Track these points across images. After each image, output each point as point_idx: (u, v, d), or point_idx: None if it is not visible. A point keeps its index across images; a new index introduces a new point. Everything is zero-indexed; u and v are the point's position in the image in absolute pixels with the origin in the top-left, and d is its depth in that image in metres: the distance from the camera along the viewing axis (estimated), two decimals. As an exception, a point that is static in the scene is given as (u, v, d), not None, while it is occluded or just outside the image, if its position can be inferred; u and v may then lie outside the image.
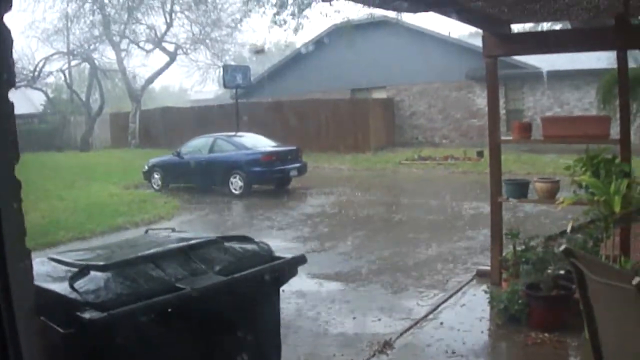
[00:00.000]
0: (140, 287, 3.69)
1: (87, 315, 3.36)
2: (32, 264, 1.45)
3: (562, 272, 6.82)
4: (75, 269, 3.75)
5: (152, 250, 4.18)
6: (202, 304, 3.85)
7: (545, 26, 20.56)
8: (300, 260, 4.89)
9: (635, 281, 3.02)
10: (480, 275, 8.86)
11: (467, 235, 12.79)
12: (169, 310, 3.71)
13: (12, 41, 1.37)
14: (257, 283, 4.40)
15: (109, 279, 3.66)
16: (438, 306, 7.86)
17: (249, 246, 4.68)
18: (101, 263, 3.84)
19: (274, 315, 4.76)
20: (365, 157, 28.75)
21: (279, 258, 4.75)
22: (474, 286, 8.61)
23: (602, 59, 18.87)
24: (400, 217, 15.59)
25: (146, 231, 5.41)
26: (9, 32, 1.36)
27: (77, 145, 39.37)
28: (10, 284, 1.35)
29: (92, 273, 3.71)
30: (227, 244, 4.49)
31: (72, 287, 3.55)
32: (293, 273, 4.82)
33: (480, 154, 24.99)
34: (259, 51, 44.90)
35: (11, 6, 1.36)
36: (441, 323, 7.21)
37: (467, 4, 6.87)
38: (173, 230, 5.26)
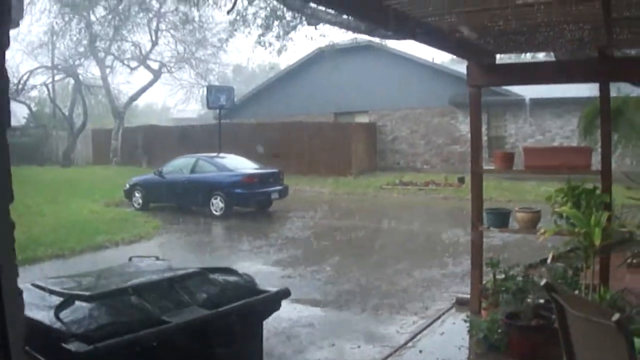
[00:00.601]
0: (125, 319, 3.67)
1: (72, 347, 3.33)
2: (22, 293, 1.45)
3: (541, 301, 6.85)
4: (60, 298, 3.72)
5: (137, 281, 4.16)
6: (187, 336, 3.83)
7: (529, 55, 20.88)
8: (284, 294, 4.88)
9: (615, 317, 3.05)
10: (460, 304, 8.87)
11: (447, 262, 12.81)
12: (154, 343, 3.69)
13: (8, 81, 1.38)
14: (241, 316, 4.38)
15: (94, 309, 3.64)
16: (417, 334, 7.85)
17: (233, 278, 4.67)
18: (86, 293, 3.82)
19: (257, 348, 4.75)
20: (347, 180, 28.80)
21: (263, 291, 4.73)
22: (454, 314, 8.61)
23: (583, 88, 18.98)
24: (380, 243, 15.62)
25: (130, 259, 5.39)
26: (5, 71, 1.36)
27: (59, 160, 39.17)
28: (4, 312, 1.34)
29: (77, 303, 3.68)
30: (211, 276, 4.49)
31: (57, 317, 3.53)
32: (276, 307, 4.81)
33: (461, 180, 25.10)
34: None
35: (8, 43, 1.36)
36: (420, 351, 7.19)
37: (452, 34, 6.93)
38: (157, 258, 5.24)
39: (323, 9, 13.60)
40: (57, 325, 3.48)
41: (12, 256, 1.38)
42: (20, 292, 1.43)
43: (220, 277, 4.55)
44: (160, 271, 4.53)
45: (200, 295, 4.25)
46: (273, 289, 4.89)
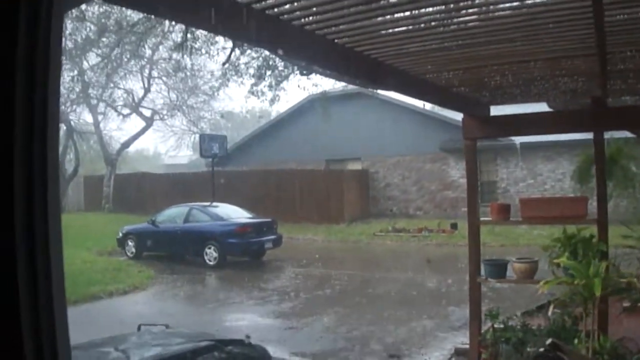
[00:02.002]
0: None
1: None
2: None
3: (541, 349, 6.84)
4: None
5: (152, 356, 4.13)
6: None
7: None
8: None
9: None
10: (459, 354, 8.86)
11: (444, 311, 12.80)
12: None
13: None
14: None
15: None
16: (417, 386, 7.84)
17: (247, 351, 4.64)
18: None
19: None
20: (340, 228, 28.78)
21: None
22: (453, 365, 8.60)
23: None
24: (375, 292, 15.56)
25: (139, 327, 5.36)
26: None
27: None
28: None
29: None
30: (226, 349, 4.46)
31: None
32: None
33: (454, 226, 25.14)
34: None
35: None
36: (421, 404, 7.18)
37: (448, 88, 7.03)
38: (167, 326, 5.22)
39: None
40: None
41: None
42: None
43: (235, 350, 4.52)
44: (173, 343, 4.51)
45: (218, 371, 4.22)
46: (286, 360, 4.87)
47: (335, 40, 4.72)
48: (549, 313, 7.51)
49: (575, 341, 6.47)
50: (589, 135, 7.93)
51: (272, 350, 5.13)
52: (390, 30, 4.76)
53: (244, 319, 12.53)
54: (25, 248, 1.30)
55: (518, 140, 28.08)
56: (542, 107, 9.64)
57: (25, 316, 1.28)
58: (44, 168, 1.33)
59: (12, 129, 1.26)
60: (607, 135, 8.41)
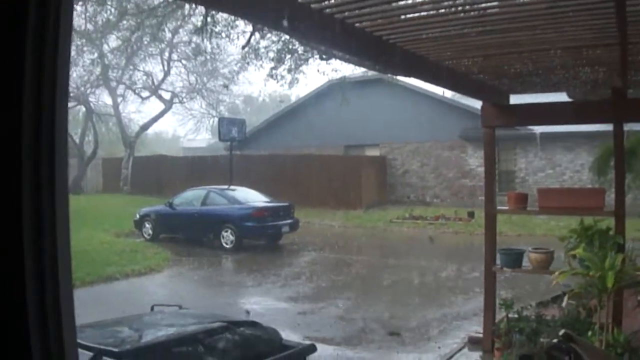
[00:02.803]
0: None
1: None
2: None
3: (555, 341, 6.81)
4: (87, 352, 3.71)
5: (164, 336, 4.14)
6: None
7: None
8: (310, 350, 4.85)
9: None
10: (473, 343, 8.83)
11: (459, 299, 12.77)
12: None
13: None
14: (269, 374, 4.34)
15: None
16: (430, 374, 7.84)
17: (259, 332, 4.63)
18: (115, 349, 3.80)
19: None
20: (357, 214, 28.76)
21: (288, 347, 4.69)
22: (466, 354, 8.57)
23: (594, 123, 19.09)
24: (391, 279, 15.55)
25: (152, 308, 5.38)
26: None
27: (69, 188, 39.12)
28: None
29: (106, 359, 3.67)
30: (238, 330, 4.46)
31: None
32: None
33: (471, 215, 25.04)
34: None
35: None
36: (433, 392, 7.18)
37: (468, 75, 6.98)
38: (180, 307, 5.23)
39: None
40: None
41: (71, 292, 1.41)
42: (76, 345, 1.46)
43: (246, 332, 4.52)
44: (186, 323, 4.51)
45: (228, 352, 4.22)
46: (298, 343, 4.86)
47: (355, 25, 4.69)
48: (564, 304, 7.49)
49: (589, 333, 6.44)
50: (608, 127, 7.88)
51: (285, 334, 5.12)
52: (410, 15, 4.73)
53: (259, 303, 12.55)
54: (32, 233, 1.29)
55: (538, 130, 27.93)
56: (560, 97, 9.57)
57: (31, 304, 1.28)
58: (52, 150, 1.32)
59: (19, 110, 1.25)
60: (627, 127, 8.34)
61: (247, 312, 4.87)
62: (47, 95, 1.30)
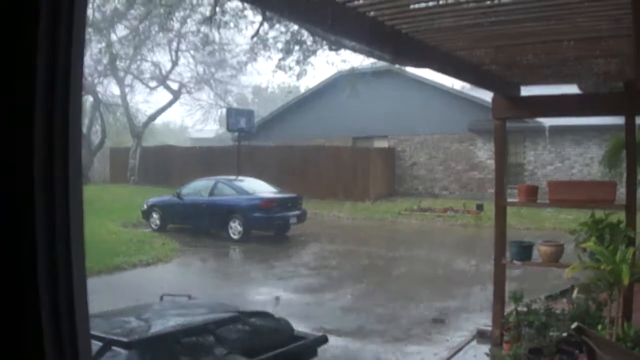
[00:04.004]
0: (164, 368, 3.64)
1: None
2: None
3: (564, 334, 6.79)
4: (97, 342, 3.69)
5: (174, 326, 4.12)
6: (227, 385, 3.79)
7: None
8: (321, 341, 4.82)
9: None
10: (481, 335, 8.80)
11: (467, 292, 12.75)
12: None
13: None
14: (281, 364, 4.31)
15: (133, 357, 3.59)
16: (439, 366, 7.81)
17: (270, 323, 4.61)
18: (125, 339, 3.78)
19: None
20: (365, 205, 28.75)
21: (300, 338, 4.67)
22: (475, 346, 8.54)
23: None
24: (399, 271, 15.54)
25: (161, 297, 5.36)
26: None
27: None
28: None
29: (115, 349, 3.65)
30: (249, 321, 4.43)
31: (96, 364, 3.50)
32: (314, 354, 4.74)
33: (479, 207, 24.98)
34: None
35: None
36: (442, 385, 7.15)
37: (479, 66, 6.93)
38: (189, 297, 5.21)
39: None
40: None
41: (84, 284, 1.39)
42: (89, 337, 1.43)
43: (258, 322, 4.50)
44: (196, 313, 4.49)
45: (239, 342, 4.19)
46: (310, 334, 4.83)
47: (367, 13, 4.65)
48: (573, 297, 7.44)
49: (599, 327, 6.40)
50: (618, 121, 7.83)
51: (292, 325, 5.09)
52: (422, 5, 4.68)
53: (266, 293, 12.55)
54: (45, 222, 1.27)
55: (547, 123, 27.82)
56: (571, 90, 9.51)
57: (44, 290, 1.26)
58: (65, 138, 1.30)
59: (32, 97, 1.23)
60: (639, 120, 8.28)
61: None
62: (61, 79, 1.27)
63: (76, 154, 1.34)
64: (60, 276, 1.29)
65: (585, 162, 28.38)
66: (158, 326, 4.17)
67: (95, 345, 3.69)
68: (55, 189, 1.29)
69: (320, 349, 4.89)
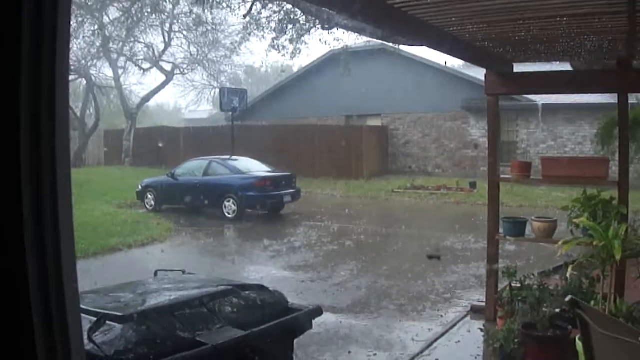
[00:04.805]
0: (158, 339, 3.63)
1: None
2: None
3: (557, 310, 6.82)
4: (91, 317, 3.69)
5: (168, 300, 4.13)
6: (221, 358, 3.79)
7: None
8: (316, 313, 4.83)
9: (643, 337, 3.04)
10: (475, 311, 8.85)
11: (460, 269, 12.78)
12: None
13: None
14: (275, 336, 4.33)
15: (127, 331, 3.60)
16: (433, 342, 7.83)
17: (265, 296, 4.62)
18: (119, 314, 3.79)
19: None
20: (358, 184, 28.76)
21: (295, 310, 4.68)
22: (469, 322, 8.59)
23: (596, 94, 18.99)
24: (393, 248, 15.60)
25: (155, 273, 5.37)
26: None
27: (71, 160, 39.01)
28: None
29: (109, 323, 3.66)
30: (243, 294, 4.44)
31: (90, 338, 3.50)
32: (309, 326, 4.75)
33: (473, 185, 25.02)
34: None
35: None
36: (436, 360, 7.19)
37: (472, 43, 6.92)
38: (183, 272, 5.22)
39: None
40: (89, 347, 3.44)
41: (74, 263, 1.39)
42: (79, 307, 1.44)
43: (252, 295, 4.51)
44: (190, 287, 4.50)
45: (233, 315, 4.20)
46: (306, 307, 4.84)
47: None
48: (567, 274, 7.47)
49: (592, 303, 6.43)
50: (611, 99, 7.86)
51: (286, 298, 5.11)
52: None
53: (261, 271, 12.57)
54: (32, 199, 1.27)
55: (540, 101, 27.82)
56: (563, 68, 9.51)
57: (32, 274, 1.27)
58: (52, 122, 1.30)
59: (18, 82, 1.23)
60: (632, 100, 8.29)
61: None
62: (46, 64, 1.27)
63: (63, 131, 1.34)
64: (48, 251, 1.30)
65: (577, 141, 28.39)
66: (152, 300, 4.18)
67: (90, 319, 3.70)
68: (42, 166, 1.29)
69: (313, 324, 4.93)
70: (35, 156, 1.27)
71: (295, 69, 39.56)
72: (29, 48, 1.23)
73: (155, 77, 61.62)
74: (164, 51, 41.56)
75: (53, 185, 1.32)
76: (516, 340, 6.79)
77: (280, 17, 20.77)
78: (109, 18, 36.21)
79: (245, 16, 21.10)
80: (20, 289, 1.25)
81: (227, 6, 22.37)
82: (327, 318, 9.17)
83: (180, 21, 39.28)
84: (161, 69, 42.66)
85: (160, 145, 35.80)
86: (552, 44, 7.06)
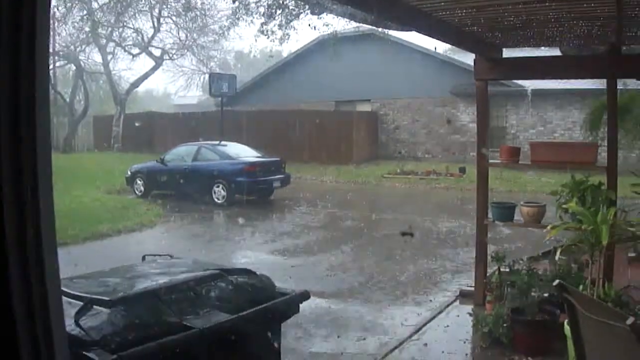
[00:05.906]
0: (146, 324, 3.63)
1: (94, 356, 3.29)
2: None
3: (546, 295, 6.86)
4: (78, 302, 3.68)
5: (155, 284, 4.12)
6: (209, 342, 3.79)
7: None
8: (304, 297, 4.83)
9: (629, 321, 3.05)
10: (464, 296, 8.89)
11: (449, 253, 12.83)
12: (177, 350, 3.64)
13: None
14: (262, 320, 4.33)
15: (114, 315, 3.60)
16: (422, 327, 7.87)
17: (252, 280, 4.61)
18: (105, 298, 3.77)
19: (275, 352, 4.68)
20: (348, 169, 28.77)
21: (282, 294, 4.68)
22: (458, 307, 8.63)
23: (585, 80, 19.01)
24: (383, 233, 15.60)
25: (143, 257, 5.36)
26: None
27: (60, 146, 38.79)
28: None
29: (96, 308, 3.65)
30: (230, 278, 4.44)
31: (77, 323, 3.49)
32: (296, 310, 4.76)
33: (462, 170, 25.10)
34: None
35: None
36: (425, 344, 7.21)
37: (461, 27, 6.92)
38: (171, 257, 5.21)
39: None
40: (76, 331, 3.43)
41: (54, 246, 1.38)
42: (60, 295, 1.43)
43: (239, 279, 4.50)
44: (178, 272, 4.50)
45: (220, 299, 4.20)
46: (293, 291, 4.84)
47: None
48: (556, 258, 7.50)
49: (580, 287, 6.46)
50: (600, 85, 7.88)
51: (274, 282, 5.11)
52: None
53: (250, 257, 12.58)
54: (12, 185, 1.26)
55: (529, 86, 27.88)
56: (552, 53, 9.52)
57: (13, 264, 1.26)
58: (32, 108, 1.28)
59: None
60: (621, 86, 8.31)
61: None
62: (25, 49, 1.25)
63: (44, 113, 1.32)
64: (29, 240, 1.28)
65: (567, 127, 28.48)
66: (140, 285, 4.17)
67: (77, 305, 3.69)
68: (21, 152, 1.28)
69: (303, 309, 4.93)
70: (15, 141, 1.25)
71: (284, 55, 39.45)
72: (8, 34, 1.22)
73: (144, 63, 61.47)
74: (153, 36, 41.41)
75: (33, 173, 1.30)
76: (505, 325, 6.83)
77: (269, 2, 20.68)
78: (97, 3, 36.09)
79: (234, 1, 21.00)
80: (1, 279, 1.24)
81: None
82: (317, 303, 9.21)
83: (169, 6, 39.16)
84: (150, 55, 42.47)
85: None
86: (541, 29, 7.07)
